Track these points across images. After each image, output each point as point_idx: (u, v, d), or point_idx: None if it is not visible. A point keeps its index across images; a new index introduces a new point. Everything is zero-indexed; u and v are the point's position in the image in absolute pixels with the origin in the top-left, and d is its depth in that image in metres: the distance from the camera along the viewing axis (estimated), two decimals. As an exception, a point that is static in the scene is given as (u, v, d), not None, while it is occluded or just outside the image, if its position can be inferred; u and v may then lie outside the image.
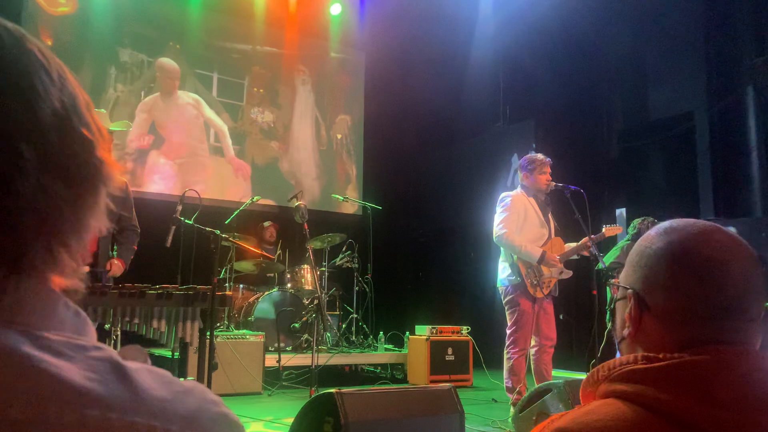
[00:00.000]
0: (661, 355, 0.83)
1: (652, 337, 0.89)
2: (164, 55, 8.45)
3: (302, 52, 9.61)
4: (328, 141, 9.76)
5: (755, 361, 0.82)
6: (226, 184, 8.69)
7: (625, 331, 0.93)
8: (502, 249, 4.47)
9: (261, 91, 9.21)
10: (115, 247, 3.78)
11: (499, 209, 4.42)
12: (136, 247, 3.87)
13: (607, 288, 5.28)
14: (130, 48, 8.22)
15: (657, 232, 0.92)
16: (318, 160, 9.61)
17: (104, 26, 8.02)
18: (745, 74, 6.45)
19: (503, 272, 4.42)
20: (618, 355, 0.92)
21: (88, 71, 7.92)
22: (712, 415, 0.76)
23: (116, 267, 3.67)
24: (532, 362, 4.39)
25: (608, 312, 5.22)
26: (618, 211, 7.38)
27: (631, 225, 5.51)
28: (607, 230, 4.47)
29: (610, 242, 5.10)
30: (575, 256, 4.55)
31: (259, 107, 9.18)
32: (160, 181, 8.17)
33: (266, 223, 7.69)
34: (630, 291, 0.92)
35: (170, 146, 8.31)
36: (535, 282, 4.30)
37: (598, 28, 8.00)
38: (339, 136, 9.89)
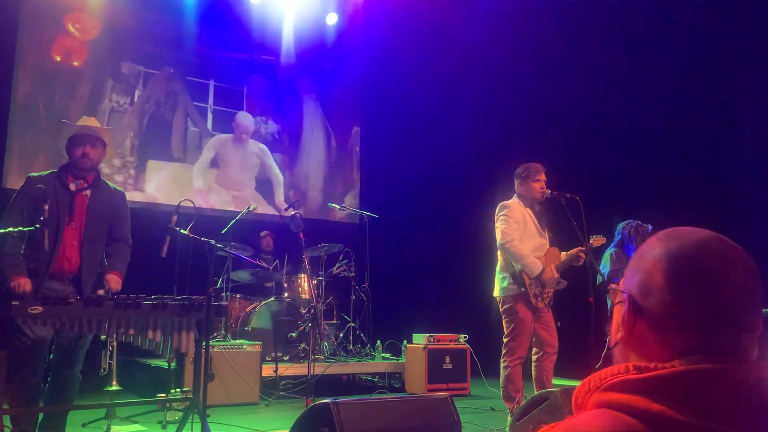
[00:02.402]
0: (652, 365, 0.82)
1: (644, 343, 0.88)
2: (161, 66, 8.49)
3: (300, 60, 9.62)
4: (334, 151, 9.79)
5: (750, 371, 0.81)
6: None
7: (619, 335, 0.92)
8: (500, 259, 4.45)
9: (260, 100, 9.21)
10: (105, 262, 3.71)
11: (500, 218, 4.40)
12: (127, 259, 3.80)
13: (608, 297, 5.27)
14: (130, 61, 8.27)
15: (657, 237, 0.92)
16: (322, 171, 9.62)
17: (110, 43, 8.12)
18: (741, 85, 6.48)
19: (502, 282, 4.40)
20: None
21: (88, 83, 7.96)
22: (704, 426, 0.75)
23: (114, 282, 3.59)
24: (533, 369, 4.38)
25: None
26: (614, 219, 7.38)
27: (616, 230, 5.51)
28: (593, 240, 4.47)
29: (601, 249, 5.09)
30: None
31: (261, 116, 9.18)
32: (158, 189, 8.21)
33: (263, 233, 7.68)
34: (626, 295, 0.91)
35: (225, 178, 8.84)
36: (537, 293, 4.29)
37: (596, 37, 8.03)
38: (344, 147, 9.91)
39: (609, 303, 5.19)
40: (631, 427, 0.78)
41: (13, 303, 2.96)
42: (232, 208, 8.52)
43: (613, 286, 0.97)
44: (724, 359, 0.81)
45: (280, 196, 9.15)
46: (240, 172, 8.95)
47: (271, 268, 7.25)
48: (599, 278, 5.09)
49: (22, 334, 3.30)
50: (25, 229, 3.24)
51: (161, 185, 8.25)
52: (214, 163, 8.75)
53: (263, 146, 9.18)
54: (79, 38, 7.90)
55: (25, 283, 3.29)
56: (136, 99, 8.29)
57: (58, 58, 7.79)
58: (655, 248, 0.90)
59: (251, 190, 8.97)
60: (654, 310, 0.87)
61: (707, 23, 6.67)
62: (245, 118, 9.05)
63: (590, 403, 0.85)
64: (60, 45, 7.81)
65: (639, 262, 0.92)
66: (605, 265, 5.28)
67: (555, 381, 4.53)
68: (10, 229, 3.21)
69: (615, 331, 0.93)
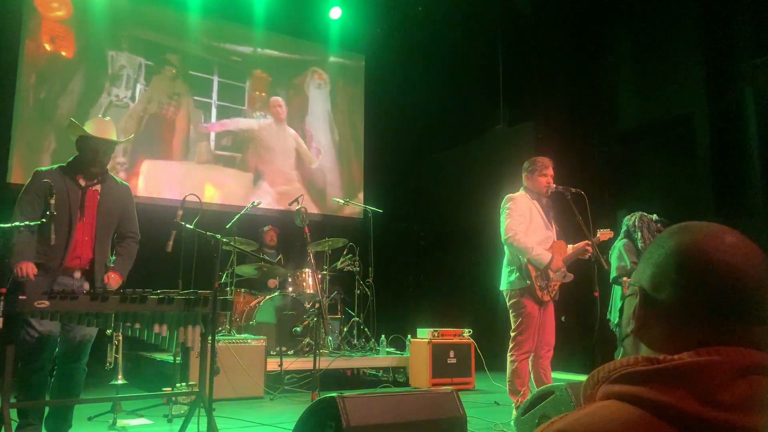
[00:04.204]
0: (661, 357, 0.82)
1: (655, 335, 0.89)
2: (163, 59, 8.48)
3: (304, 55, 9.64)
4: (336, 146, 9.80)
5: (759, 362, 0.81)
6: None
7: (629, 328, 0.93)
8: (507, 252, 4.45)
9: (263, 94, 9.23)
10: (113, 258, 3.73)
11: (505, 212, 4.39)
12: (134, 257, 3.81)
13: (617, 288, 5.25)
14: (127, 51, 8.25)
15: (670, 231, 0.92)
16: (325, 165, 9.63)
17: (102, 30, 8.06)
18: (744, 75, 6.45)
19: (510, 276, 4.40)
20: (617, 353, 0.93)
21: (83, 76, 7.94)
22: (713, 417, 0.75)
23: (113, 281, 3.59)
24: (530, 367, 4.38)
25: (618, 311, 5.20)
26: (619, 213, 7.38)
27: (623, 222, 5.49)
28: (601, 234, 4.47)
29: (606, 244, 5.07)
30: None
31: (261, 111, 9.20)
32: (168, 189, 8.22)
33: (266, 227, 7.69)
34: (637, 288, 0.92)
35: (271, 172, 9.02)
36: (543, 285, 4.29)
37: (597, 30, 8.01)
38: (347, 141, 9.92)
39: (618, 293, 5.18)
40: (639, 417, 0.78)
41: (20, 297, 2.98)
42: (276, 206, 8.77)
43: (626, 279, 0.98)
44: (733, 350, 0.81)
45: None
46: (283, 159, 9.12)
47: (275, 262, 7.26)
48: (613, 271, 5.06)
49: (30, 327, 3.31)
50: (32, 223, 3.25)
51: (159, 184, 8.24)
52: (253, 153, 8.91)
53: (293, 131, 9.35)
54: (49, 17, 7.81)
55: (27, 267, 3.29)
56: (137, 94, 8.28)
57: (48, 47, 7.77)
58: (667, 241, 0.90)
59: (298, 184, 9.13)
60: (665, 303, 0.88)
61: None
62: (280, 100, 9.30)
63: (598, 395, 0.86)
64: (40, 28, 7.73)
65: (651, 256, 0.92)
66: (622, 258, 5.23)
67: (557, 375, 4.54)
68: (17, 223, 3.22)
69: (626, 324, 0.94)
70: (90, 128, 3.59)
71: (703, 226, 0.90)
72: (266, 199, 8.73)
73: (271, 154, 9.03)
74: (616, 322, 5.07)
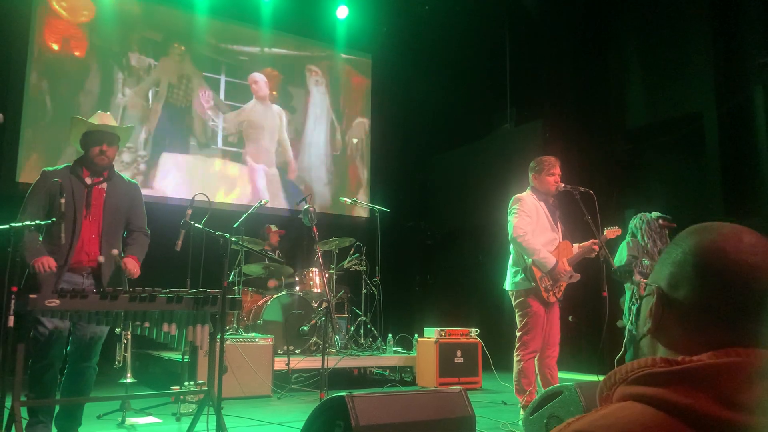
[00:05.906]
0: (680, 358, 0.82)
1: (672, 335, 0.88)
2: (170, 58, 8.52)
3: (312, 54, 9.66)
4: (342, 145, 9.80)
5: None
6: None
7: (646, 328, 0.92)
8: (512, 253, 4.44)
9: (274, 93, 9.26)
10: (122, 253, 3.73)
11: (513, 212, 4.38)
12: (146, 247, 3.81)
13: (626, 287, 5.24)
14: (137, 52, 8.28)
15: (688, 231, 0.92)
16: (330, 164, 9.64)
17: (112, 32, 8.10)
18: (754, 73, 6.41)
19: (515, 276, 4.39)
20: (628, 354, 0.92)
21: (96, 77, 7.98)
22: (733, 419, 0.75)
23: (131, 264, 3.59)
24: (537, 367, 4.37)
25: (626, 310, 5.19)
26: (627, 212, 7.35)
27: (630, 224, 5.50)
28: (608, 232, 4.45)
29: (614, 243, 5.06)
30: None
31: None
32: (173, 183, 8.25)
33: (273, 227, 7.71)
34: (655, 287, 0.91)
35: (258, 150, 8.97)
36: (549, 287, 4.28)
37: (606, 28, 7.98)
38: (354, 140, 9.92)
39: (627, 295, 5.17)
40: (658, 419, 0.77)
41: (31, 296, 2.99)
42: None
43: (643, 281, 0.97)
44: (752, 352, 0.81)
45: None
46: (269, 137, 9.09)
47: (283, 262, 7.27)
48: (615, 272, 5.06)
49: (40, 326, 3.33)
50: (42, 222, 3.26)
51: (176, 179, 8.28)
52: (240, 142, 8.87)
53: (279, 108, 9.35)
54: (69, 20, 7.86)
55: (48, 261, 3.30)
56: (150, 94, 8.32)
57: (56, 47, 7.79)
58: (685, 241, 0.90)
59: (275, 168, 9.11)
60: (683, 303, 0.87)
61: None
62: (258, 75, 9.23)
63: (615, 396, 0.85)
64: (52, 29, 7.76)
65: (669, 255, 0.92)
66: (622, 253, 5.24)
67: (565, 375, 4.53)
68: (27, 222, 3.23)
69: (643, 324, 0.93)
70: (91, 125, 3.62)
71: (721, 225, 0.90)
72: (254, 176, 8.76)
73: (258, 132, 9.03)
74: (629, 321, 5.06)
